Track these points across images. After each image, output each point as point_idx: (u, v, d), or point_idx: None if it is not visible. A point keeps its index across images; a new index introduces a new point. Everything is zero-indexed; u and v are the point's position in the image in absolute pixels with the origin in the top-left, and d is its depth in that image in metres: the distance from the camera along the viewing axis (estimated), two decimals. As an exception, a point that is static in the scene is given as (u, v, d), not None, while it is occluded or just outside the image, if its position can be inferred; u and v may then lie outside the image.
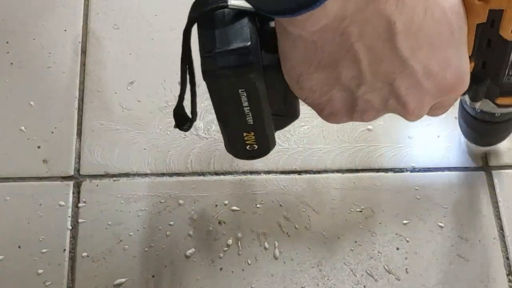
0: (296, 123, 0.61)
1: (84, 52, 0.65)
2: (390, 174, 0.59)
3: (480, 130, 0.52)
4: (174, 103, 0.62)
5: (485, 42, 0.37)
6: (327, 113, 0.35)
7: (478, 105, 0.47)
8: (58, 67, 0.64)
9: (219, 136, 0.60)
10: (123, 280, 0.54)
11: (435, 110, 0.36)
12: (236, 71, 0.32)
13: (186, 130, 0.41)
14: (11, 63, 0.64)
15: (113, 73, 0.64)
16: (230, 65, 0.31)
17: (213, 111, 0.60)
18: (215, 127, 0.61)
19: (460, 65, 0.32)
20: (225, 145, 0.40)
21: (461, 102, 0.51)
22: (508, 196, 0.58)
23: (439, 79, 0.32)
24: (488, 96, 0.44)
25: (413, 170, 0.59)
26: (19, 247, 0.56)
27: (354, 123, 0.60)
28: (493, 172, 0.59)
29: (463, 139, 0.59)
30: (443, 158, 0.60)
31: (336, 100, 0.34)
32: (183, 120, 0.40)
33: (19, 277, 0.54)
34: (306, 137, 0.60)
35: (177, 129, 0.41)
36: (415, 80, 0.31)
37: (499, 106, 0.44)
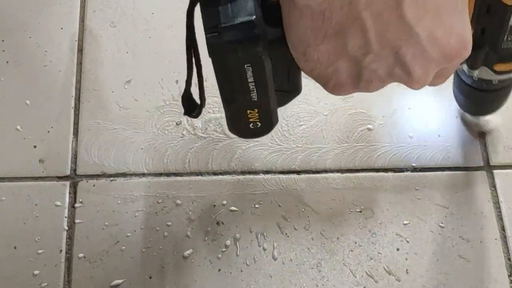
0: (295, 122, 0.61)
1: (80, 50, 0.65)
2: (390, 174, 0.59)
3: (476, 99, 0.53)
4: (171, 102, 0.62)
5: (484, 8, 0.38)
6: (333, 85, 0.36)
7: (476, 73, 0.48)
8: (55, 65, 0.64)
9: (217, 135, 0.60)
10: (120, 281, 0.54)
11: (436, 78, 0.37)
12: (243, 45, 0.32)
13: (195, 116, 0.41)
14: (7, 62, 0.64)
15: (110, 71, 0.64)
16: (236, 39, 0.31)
17: (211, 110, 0.60)
18: (213, 126, 0.60)
19: (463, 31, 0.33)
20: (227, 125, 0.40)
21: (457, 72, 0.53)
22: (510, 196, 0.58)
23: (444, 46, 0.32)
24: (486, 63, 0.45)
25: (414, 170, 0.59)
26: (14, 247, 0.55)
27: (354, 122, 0.61)
28: (495, 172, 0.59)
29: (459, 113, 0.61)
30: (444, 157, 0.60)
31: (342, 71, 0.34)
32: (191, 107, 0.40)
33: (15, 278, 0.54)
34: (305, 136, 0.60)
35: (187, 116, 0.41)
36: (420, 47, 0.32)
37: (496, 72, 0.46)
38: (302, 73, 0.36)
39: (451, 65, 0.35)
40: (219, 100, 0.61)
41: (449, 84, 0.60)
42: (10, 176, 0.59)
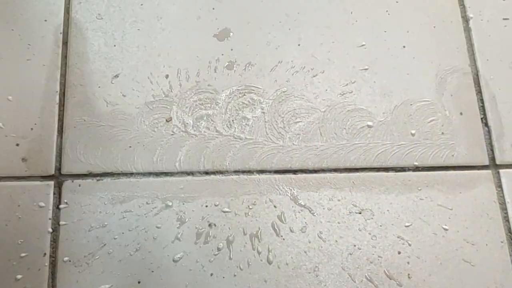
0: (291, 119, 0.61)
1: (65, 43, 0.65)
2: (391, 173, 0.59)
3: None
4: (162, 97, 0.62)
5: None
6: None
7: None
8: (38, 59, 0.64)
9: (209, 133, 0.61)
10: (107, 286, 0.54)
11: None
12: None
13: None
14: (-12, 55, 0.64)
15: (96, 65, 0.64)
16: None
17: (203, 106, 0.60)
18: (205, 123, 0.61)
19: None
20: None
21: None
22: (516, 196, 0.58)
23: None
24: None
25: (416, 169, 0.59)
26: (-4, 251, 0.56)
27: (353, 119, 0.61)
28: (501, 171, 0.59)
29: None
30: (448, 156, 0.60)
31: None
32: None
33: (-4, 283, 0.54)
34: (302, 134, 0.60)
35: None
36: None
37: None
38: None
39: None
40: (211, 95, 0.62)
41: (451, 81, 0.61)
42: (-9, 176, 0.59)
